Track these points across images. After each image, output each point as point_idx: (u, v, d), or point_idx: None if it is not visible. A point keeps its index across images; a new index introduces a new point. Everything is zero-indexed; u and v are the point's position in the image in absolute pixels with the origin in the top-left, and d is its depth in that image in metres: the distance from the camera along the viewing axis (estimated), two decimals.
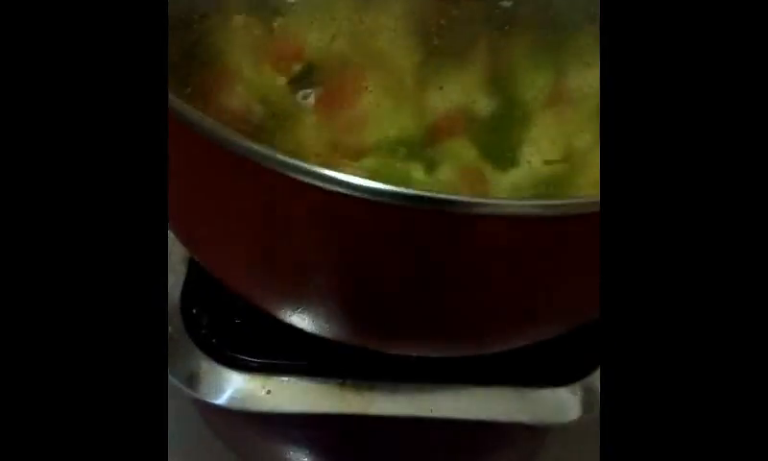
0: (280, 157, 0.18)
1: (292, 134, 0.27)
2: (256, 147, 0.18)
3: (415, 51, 0.30)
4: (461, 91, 0.29)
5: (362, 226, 0.20)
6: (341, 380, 0.28)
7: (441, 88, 0.29)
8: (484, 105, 0.29)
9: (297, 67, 0.30)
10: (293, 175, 0.18)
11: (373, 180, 0.19)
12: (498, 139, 0.29)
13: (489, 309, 0.23)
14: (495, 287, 0.22)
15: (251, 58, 0.29)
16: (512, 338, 0.28)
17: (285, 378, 0.28)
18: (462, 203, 0.19)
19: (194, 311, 0.30)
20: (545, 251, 0.21)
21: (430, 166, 0.27)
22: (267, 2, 0.31)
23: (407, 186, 0.19)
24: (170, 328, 0.29)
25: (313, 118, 0.28)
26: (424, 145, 0.28)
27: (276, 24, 0.30)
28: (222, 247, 0.23)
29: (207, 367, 0.28)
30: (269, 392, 0.28)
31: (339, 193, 0.18)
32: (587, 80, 0.30)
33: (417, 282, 0.22)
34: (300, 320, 0.25)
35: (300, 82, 0.29)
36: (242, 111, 0.28)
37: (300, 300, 0.23)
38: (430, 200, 0.19)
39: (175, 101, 0.19)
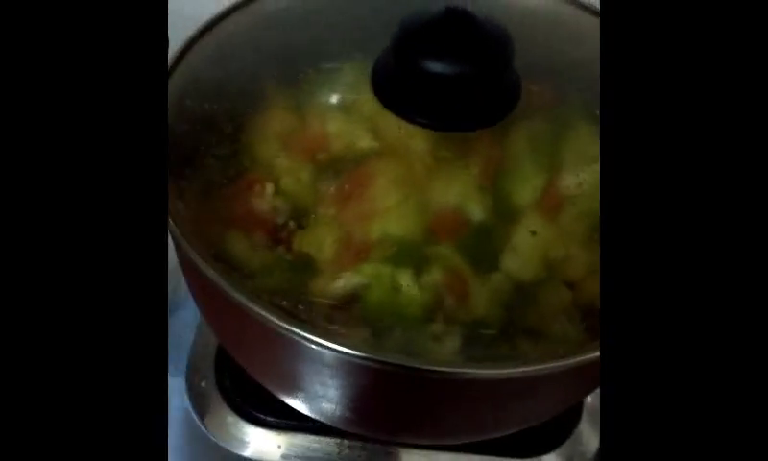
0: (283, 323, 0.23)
1: (311, 235, 0.31)
2: (266, 314, 0.24)
3: (421, 154, 0.32)
4: (457, 194, 0.32)
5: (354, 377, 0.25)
6: (339, 440, 0.33)
7: (441, 190, 0.32)
8: (475, 208, 0.31)
9: (321, 157, 0.33)
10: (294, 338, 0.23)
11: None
12: (482, 245, 0.32)
13: (465, 428, 0.28)
14: (468, 419, 0.26)
15: (282, 148, 0.33)
16: (494, 435, 0.32)
17: (293, 435, 0.33)
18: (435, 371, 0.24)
19: (224, 368, 0.36)
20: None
21: (420, 269, 0.31)
22: (295, 106, 0.34)
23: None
24: (204, 383, 0.35)
25: (331, 211, 0.32)
26: (419, 246, 0.32)
27: (306, 118, 0.34)
28: (243, 359, 0.28)
29: (229, 418, 0.34)
30: (279, 446, 0.33)
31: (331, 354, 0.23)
32: (576, 181, 0.33)
33: (403, 416, 0.26)
34: (304, 410, 0.30)
35: (323, 172, 0.32)
36: (269, 212, 0.31)
37: (308, 408, 0.28)
38: (401, 366, 0.23)
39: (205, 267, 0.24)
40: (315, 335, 0.23)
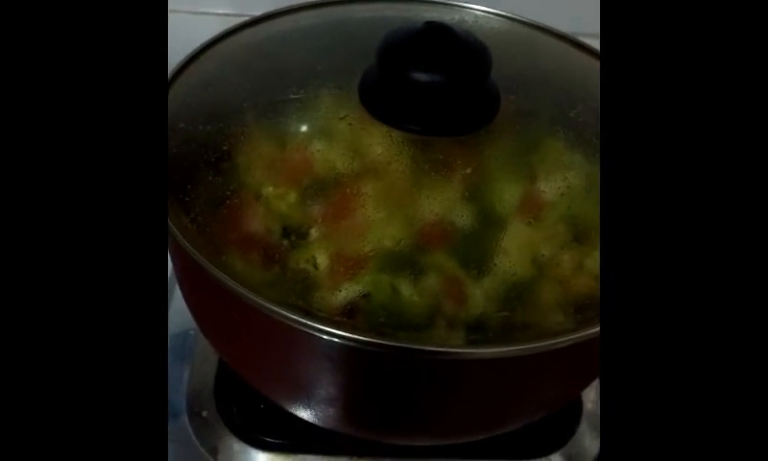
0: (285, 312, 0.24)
1: (304, 251, 0.31)
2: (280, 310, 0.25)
3: (405, 167, 0.34)
4: (443, 203, 0.33)
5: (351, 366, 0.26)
6: (349, 458, 0.33)
7: (426, 201, 0.33)
8: (462, 216, 0.33)
9: (306, 181, 0.34)
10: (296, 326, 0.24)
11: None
12: (473, 249, 0.33)
13: (470, 420, 0.29)
14: (472, 408, 0.27)
15: (270, 178, 0.34)
16: (498, 430, 0.33)
17: (303, 457, 0.33)
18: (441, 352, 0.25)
19: (225, 396, 0.35)
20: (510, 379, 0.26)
21: (416, 276, 0.32)
22: (281, 129, 0.36)
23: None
24: (205, 412, 0.35)
25: (321, 229, 0.33)
26: (413, 254, 0.32)
27: (288, 146, 0.35)
28: (247, 369, 0.29)
29: (236, 446, 0.34)
30: None
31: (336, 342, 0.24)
32: (554, 187, 0.34)
33: (412, 410, 0.26)
34: (311, 418, 0.30)
35: (309, 195, 0.33)
36: (263, 233, 0.32)
37: (316, 413, 0.28)
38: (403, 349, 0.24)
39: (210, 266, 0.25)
40: (330, 326, 0.24)
